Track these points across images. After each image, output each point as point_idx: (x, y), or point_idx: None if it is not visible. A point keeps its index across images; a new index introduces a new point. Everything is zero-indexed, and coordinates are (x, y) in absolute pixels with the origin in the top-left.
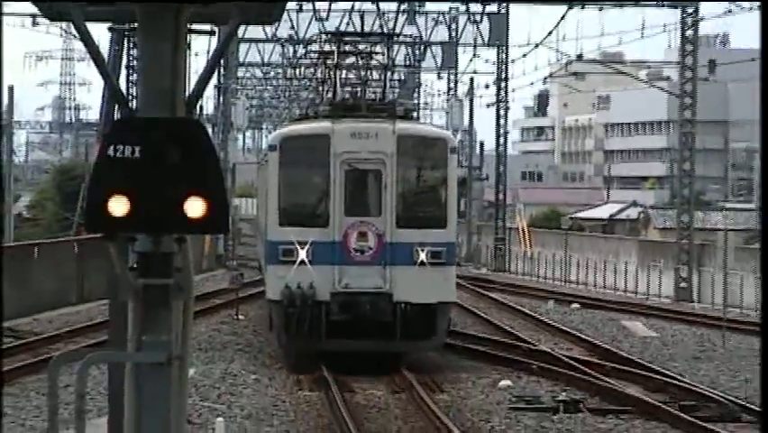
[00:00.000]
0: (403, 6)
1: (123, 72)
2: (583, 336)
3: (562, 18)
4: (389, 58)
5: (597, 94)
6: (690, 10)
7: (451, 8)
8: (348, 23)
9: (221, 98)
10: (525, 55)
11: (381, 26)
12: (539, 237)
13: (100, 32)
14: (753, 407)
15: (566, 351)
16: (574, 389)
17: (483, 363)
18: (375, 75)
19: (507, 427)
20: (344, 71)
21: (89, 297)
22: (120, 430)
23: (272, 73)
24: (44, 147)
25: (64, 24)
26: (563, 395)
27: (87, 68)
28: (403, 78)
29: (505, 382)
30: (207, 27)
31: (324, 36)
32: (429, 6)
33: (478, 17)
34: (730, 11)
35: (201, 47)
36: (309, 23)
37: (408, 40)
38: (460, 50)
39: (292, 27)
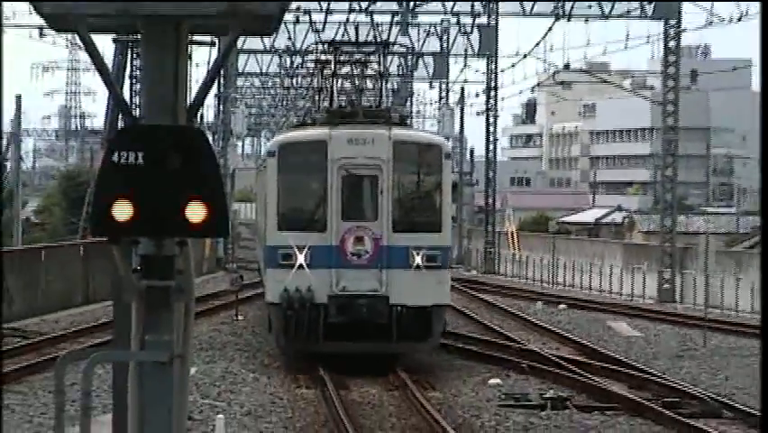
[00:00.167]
0: (396, 18)
1: (127, 82)
2: (570, 336)
3: (550, 30)
4: (384, 66)
5: (583, 102)
6: (672, 22)
7: (442, 20)
8: (343, 35)
9: (221, 107)
10: (513, 65)
11: (375, 37)
12: (527, 241)
13: (105, 44)
14: (733, 404)
15: (554, 350)
16: (561, 386)
17: (474, 361)
18: (369, 84)
19: (496, 423)
20: (340, 80)
21: (94, 298)
22: (124, 427)
23: (270, 83)
24: (51, 154)
25: (70, 36)
26: (551, 393)
27: (92, 77)
28: (396, 87)
29: (495, 381)
30: (208, 38)
31: (321, 45)
32: (421, 18)
33: (468, 29)
34: (711, 23)
35: (202, 57)
36: (306, 35)
37: (401, 50)
38: (451, 60)
39: (289, 38)
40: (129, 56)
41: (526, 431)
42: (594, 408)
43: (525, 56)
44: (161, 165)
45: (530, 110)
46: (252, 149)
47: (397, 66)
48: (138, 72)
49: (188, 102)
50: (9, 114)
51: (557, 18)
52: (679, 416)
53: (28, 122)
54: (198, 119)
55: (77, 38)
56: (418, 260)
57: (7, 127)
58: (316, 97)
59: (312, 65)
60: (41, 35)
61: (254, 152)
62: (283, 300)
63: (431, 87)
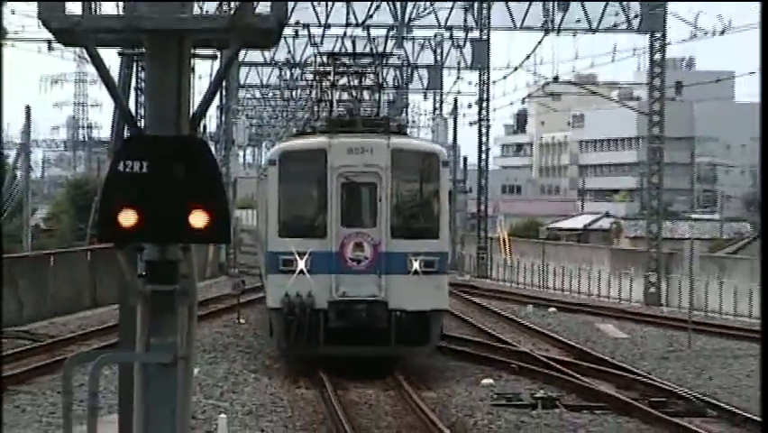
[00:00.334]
0: (392, 32)
1: (132, 94)
2: (560, 338)
3: (539, 43)
4: (381, 77)
5: (572, 113)
6: (657, 35)
7: (436, 34)
8: (341, 48)
9: (223, 118)
10: (505, 77)
11: (372, 50)
12: (518, 246)
13: (111, 57)
14: (717, 403)
15: (544, 351)
16: (551, 386)
17: (467, 362)
18: (366, 96)
19: (489, 422)
20: (339, 91)
21: (101, 302)
22: (130, 426)
23: (270, 94)
24: (59, 163)
25: (77, 50)
26: (541, 392)
27: (99, 90)
28: (392, 98)
29: (487, 381)
30: (210, 52)
31: (320, 57)
32: (416, 32)
33: (461, 42)
34: (695, 36)
35: (204, 70)
36: (305, 48)
37: (397, 62)
38: (444, 72)
39: (289, 52)
40: (134, 69)
41: (518, 430)
42: (583, 407)
43: (515, 68)
44: (165, 174)
45: (521, 120)
46: (253, 158)
47: (393, 78)
48: (143, 85)
49: (191, 113)
50: (19, 125)
51: (546, 32)
52: (665, 415)
53: (37, 132)
54: (201, 129)
55: (84, 52)
56: (416, 265)
57: (18, 138)
58: (315, 108)
59: (311, 77)
60: (50, 49)
61: (255, 161)
62: (284, 305)
63: (425, 98)
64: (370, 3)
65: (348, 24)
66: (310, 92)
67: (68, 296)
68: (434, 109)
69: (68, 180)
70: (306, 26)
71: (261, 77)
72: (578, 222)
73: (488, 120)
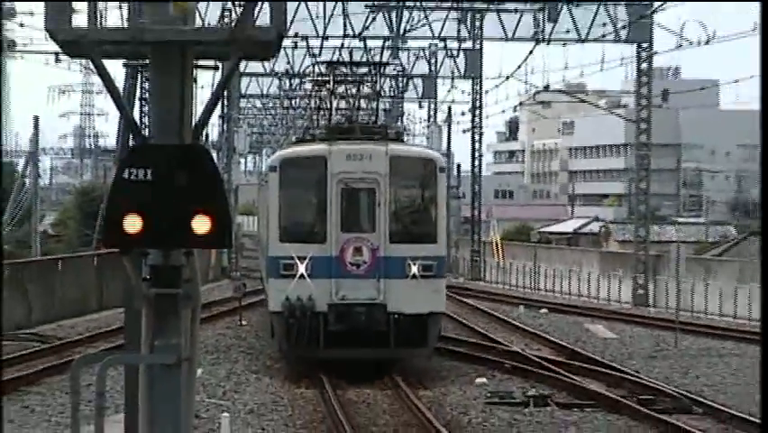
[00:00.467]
0: (387, 43)
1: (137, 104)
2: (551, 338)
3: (530, 53)
4: (379, 85)
5: (562, 120)
6: (644, 45)
7: (430, 45)
8: (339, 59)
9: (224, 126)
10: (497, 86)
11: (369, 60)
12: (511, 249)
13: (116, 68)
14: (703, 400)
15: (536, 351)
16: (543, 385)
17: (462, 362)
18: (364, 104)
19: (483, 419)
20: (337, 99)
21: (107, 305)
22: (135, 425)
23: (271, 103)
24: (67, 171)
25: (84, 61)
26: (533, 391)
27: (105, 100)
28: (388, 107)
29: (481, 380)
30: (211, 63)
31: (318, 66)
32: (411, 43)
33: (455, 52)
34: (681, 46)
35: (206, 80)
36: (303, 59)
37: (394, 72)
38: (439, 81)
39: (288, 62)
40: (138, 80)
41: (511, 427)
42: (574, 405)
43: (507, 78)
44: (169, 181)
45: (513, 128)
46: (254, 165)
47: (389, 87)
48: (147, 95)
49: (194, 122)
50: (28, 134)
51: (537, 42)
52: (653, 412)
53: (45, 141)
54: (203, 138)
55: (90, 63)
56: (415, 269)
57: (26, 147)
58: (315, 116)
59: (310, 86)
60: (57, 61)
61: (256, 169)
62: (285, 309)
63: (420, 106)
64: (366, 15)
65: (345, 36)
66: (309, 100)
67: (75, 299)
68: (429, 117)
69: (75, 188)
70: (305, 38)
71: (262, 86)
72: (568, 226)
73: (481, 127)
